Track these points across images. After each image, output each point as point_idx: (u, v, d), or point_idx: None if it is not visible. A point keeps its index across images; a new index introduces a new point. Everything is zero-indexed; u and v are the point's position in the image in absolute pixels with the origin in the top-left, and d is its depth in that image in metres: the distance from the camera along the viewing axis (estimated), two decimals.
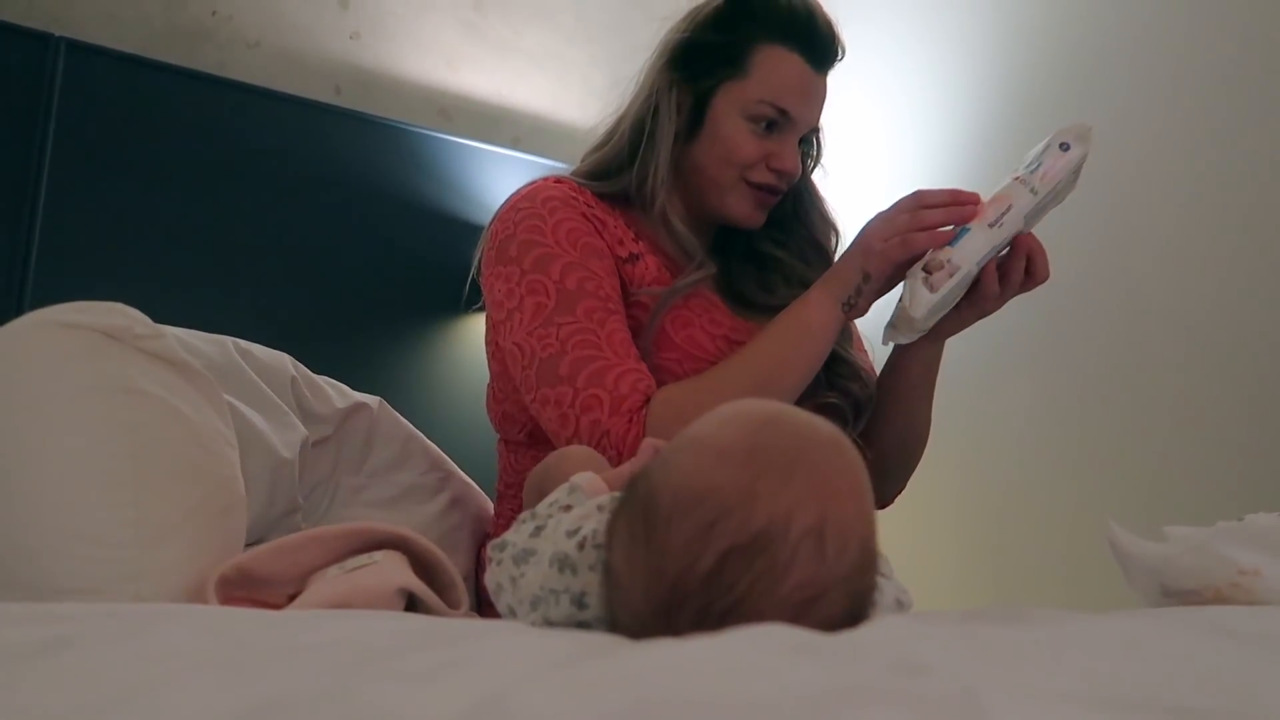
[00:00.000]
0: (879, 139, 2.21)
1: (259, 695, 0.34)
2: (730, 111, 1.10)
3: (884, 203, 2.35)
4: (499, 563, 0.68)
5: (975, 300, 1.01)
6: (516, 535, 0.69)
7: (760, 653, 0.41)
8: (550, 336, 1.02)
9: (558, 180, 1.15)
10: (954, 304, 0.98)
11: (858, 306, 1.02)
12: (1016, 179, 0.95)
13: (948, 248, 0.94)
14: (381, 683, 0.36)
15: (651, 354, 1.07)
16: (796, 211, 1.23)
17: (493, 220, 1.16)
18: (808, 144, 1.21)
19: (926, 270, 0.94)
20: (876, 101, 2.22)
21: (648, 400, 1.00)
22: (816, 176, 1.26)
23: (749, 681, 0.36)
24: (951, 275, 0.93)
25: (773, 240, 1.22)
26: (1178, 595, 0.83)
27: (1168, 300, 1.72)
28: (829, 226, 1.25)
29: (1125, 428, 1.75)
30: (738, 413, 0.58)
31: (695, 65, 1.12)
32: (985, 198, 1.02)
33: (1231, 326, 1.64)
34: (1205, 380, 1.65)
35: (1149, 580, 0.85)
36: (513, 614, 0.67)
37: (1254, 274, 1.62)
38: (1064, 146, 0.95)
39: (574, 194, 1.12)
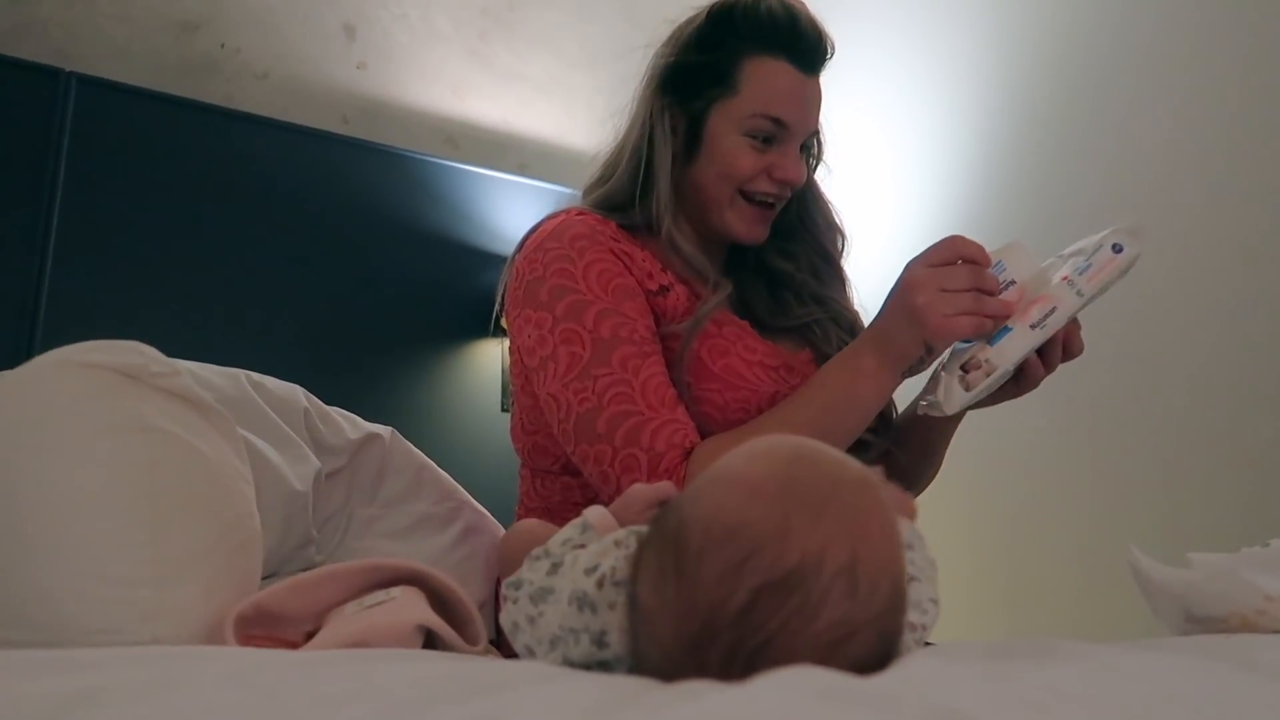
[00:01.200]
0: (881, 153, 2.22)
1: None
2: (727, 129, 1.10)
3: (887, 210, 2.34)
4: (515, 601, 0.68)
5: (1017, 386, 1.00)
6: (532, 573, 0.69)
7: (795, 701, 0.41)
8: (587, 390, 1.01)
9: (580, 213, 1.14)
10: (989, 393, 0.96)
11: (919, 371, 1.00)
12: (1065, 279, 0.92)
13: (987, 345, 0.92)
14: None
15: (691, 386, 1.06)
16: (801, 218, 1.22)
17: (518, 255, 1.14)
18: (808, 147, 1.20)
19: (964, 369, 0.91)
20: (878, 116, 2.23)
21: (686, 452, 0.99)
22: (820, 176, 1.25)
23: None
24: (988, 375, 0.91)
25: (781, 252, 1.22)
26: (1202, 622, 0.82)
27: (1179, 318, 1.71)
28: (835, 231, 1.25)
29: (1138, 444, 1.74)
30: (767, 448, 0.58)
31: (685, 87, 1.11)
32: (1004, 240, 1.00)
33: (1247, 340, 1.63)
34: (1220, 395, 1.64)
35: (1173, 607, 0.84)
36: (530, 653, 0.66)
37: (1268, 286, 1.61)
38: (1116, 248, 0.92)
39: (600, 227, 1.11)
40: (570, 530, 0.73)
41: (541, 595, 0.66)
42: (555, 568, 0.68)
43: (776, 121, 1.09)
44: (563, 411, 1.03)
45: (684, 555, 0.54)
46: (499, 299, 1.18)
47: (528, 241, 1.14)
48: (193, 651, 0.61)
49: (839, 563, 0.52)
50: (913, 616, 0.65)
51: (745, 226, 1.14)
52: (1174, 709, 0.38)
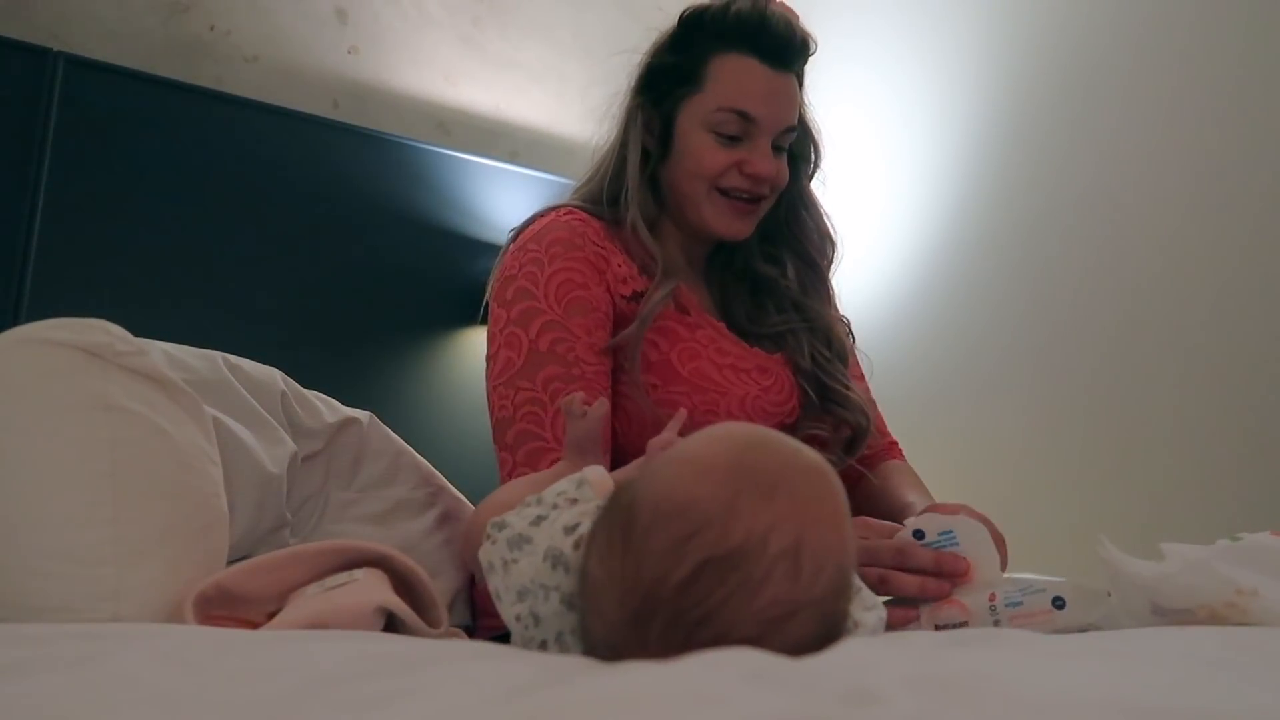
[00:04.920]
0: (873, 150, 2.21)
1: None
2: (693, 126, 1.11)
3: (879, 214, 2.34)
4: (493, 541, 0.69)
5: None
6: (517, 518, 0.69)
7: (715, 680, 0.40)
8: (507, 399, 1.06)
9: (569, 211, 1.15)
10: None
11: None
12: (991, 600, 0.84)
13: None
14: (324, 711, 0.35)
15: (658, 388, 1.08)
16: (789, 223, 1.22)
17: (507, 247, 1.17)
18: (803, 157, 1.20)
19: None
20: (870, 113, 2.22)
21: None
22: (814, 184, 1.24)
23: (694, 711, 0.36)
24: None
25: (766, 257, 1.21)
26: (1169, 615, 0.81)
27: (1166, 315, 1.71)
28: (825, 241, 1.24)
29: (1122, 444, 1.73)
30: (725, 433, 0.59)
31: (658, 88, 1.14)
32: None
33: (1230, 340, 1.62)
34: (1203, 395, 1.64)
35: (1139, 598, 0.83)
36: (498, 597, 0.67)
37: (1253, 287, 1.61)
38: (1058, 602, 0.82)
39: (583, 228, 1.12)
40: (566, 484, 0.73)
41: (519, 542, 0.67)
42: (540, 520, 0.68)
43: (742, 115, 1.09)
44: (490, 409, 1.09)
45: (632, 530, 0.55)
46: (489, 290, 1.20)
47: (517, 238, 1.17)
48: (138, 629, 0.61)
49: (783, 544, 0.53)
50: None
51: (724, 222, 1.14)
52: (1096, 691, 0.38)
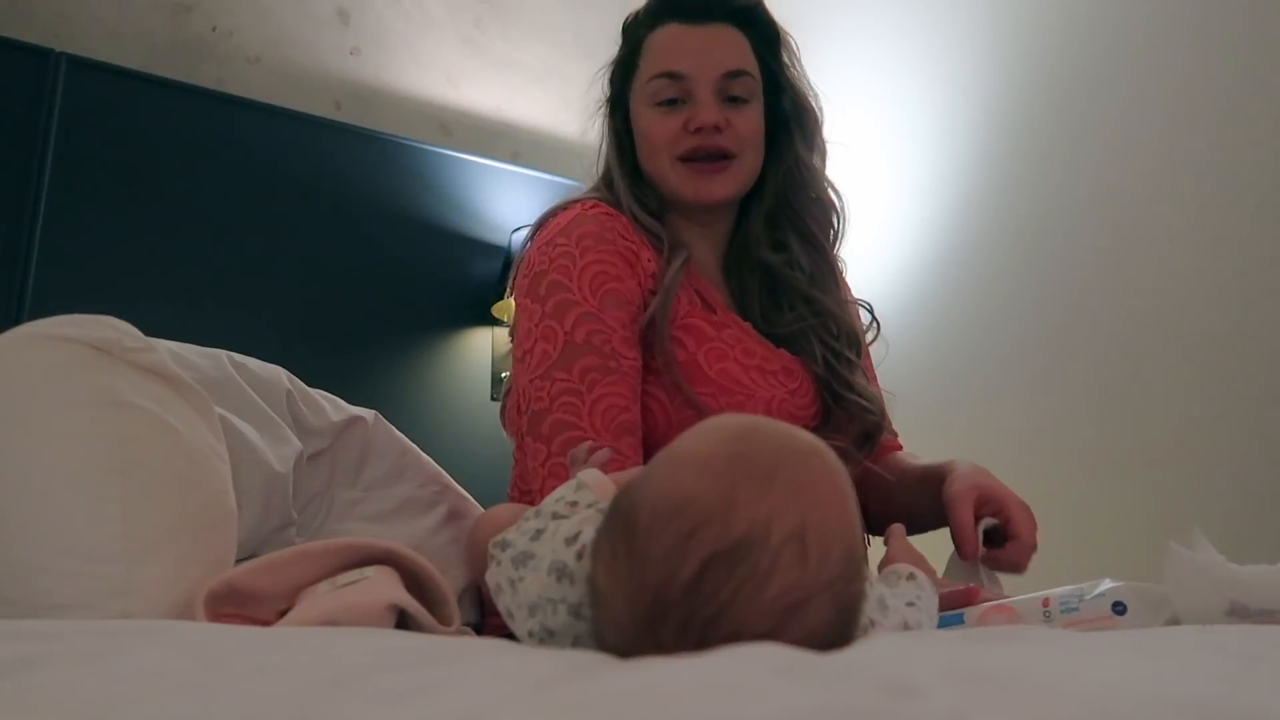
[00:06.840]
0: (875, 148, 2.21)
1: (227, 718, 0.33)
2: (639, 108, 1.16)
3: (883, 211, 2.34)
4: (499, 562, 0.68)
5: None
6: (518, 535, 0.69)
7: (748, 673, 0.40)
8: (544, 391, 1.05)
9: (594, 205, 1.15)
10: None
11: None
12: (1045, 605, 0.79)
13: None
14: (354, 704, 0.35)
15: (684, 388, 1.07)
16: (789, 196, 1.20)
17: (529, 243, 1.17)
18: (793, 118, 1.18)
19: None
20: (872, 112, 2.22)
21: None
22: (838, 155, 1.25)
23: (733, 703, 0.35)
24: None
25: (772, 243, 1.20)
26: (1251, 615, 0.76)
27: (1171, 310, 1.71)
28: (829, 210, 1.22)
29: (1127, 439, 1.73)
30: (716, 425, 0.59)
31: (614, 84, 1.21)
32: None
33: (1233, 341, 1.62)
34: (1209, 390, 1.64)
35: (1216, 597, 0.78)
36: (511, 616, 0.66)
37: (1256, 288, 1.61)
38: (1119, 608, 0.77)
39: (610, 222, 1.12)
40: (564, 490, 0.73)
41: (523, 560, 0.66)
42: (540, 534, 0.68)
43: (670, 75, 1.12)
44: (525, 403, 1.07)
45: (634, 533, 0.54)
46: (510, 283, 1.22)
47: (542, 232, 1.16)
48: (151, 625, 0.60)
49: (787, 530, 0.52)
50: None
51: (691, 187, 1.14)
52: (1130, 686, 0.38)
